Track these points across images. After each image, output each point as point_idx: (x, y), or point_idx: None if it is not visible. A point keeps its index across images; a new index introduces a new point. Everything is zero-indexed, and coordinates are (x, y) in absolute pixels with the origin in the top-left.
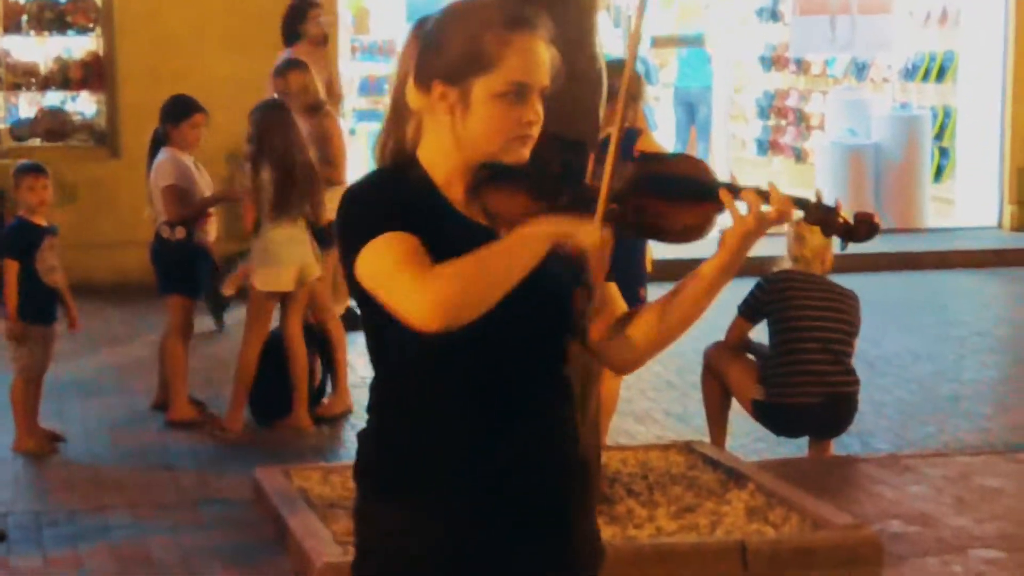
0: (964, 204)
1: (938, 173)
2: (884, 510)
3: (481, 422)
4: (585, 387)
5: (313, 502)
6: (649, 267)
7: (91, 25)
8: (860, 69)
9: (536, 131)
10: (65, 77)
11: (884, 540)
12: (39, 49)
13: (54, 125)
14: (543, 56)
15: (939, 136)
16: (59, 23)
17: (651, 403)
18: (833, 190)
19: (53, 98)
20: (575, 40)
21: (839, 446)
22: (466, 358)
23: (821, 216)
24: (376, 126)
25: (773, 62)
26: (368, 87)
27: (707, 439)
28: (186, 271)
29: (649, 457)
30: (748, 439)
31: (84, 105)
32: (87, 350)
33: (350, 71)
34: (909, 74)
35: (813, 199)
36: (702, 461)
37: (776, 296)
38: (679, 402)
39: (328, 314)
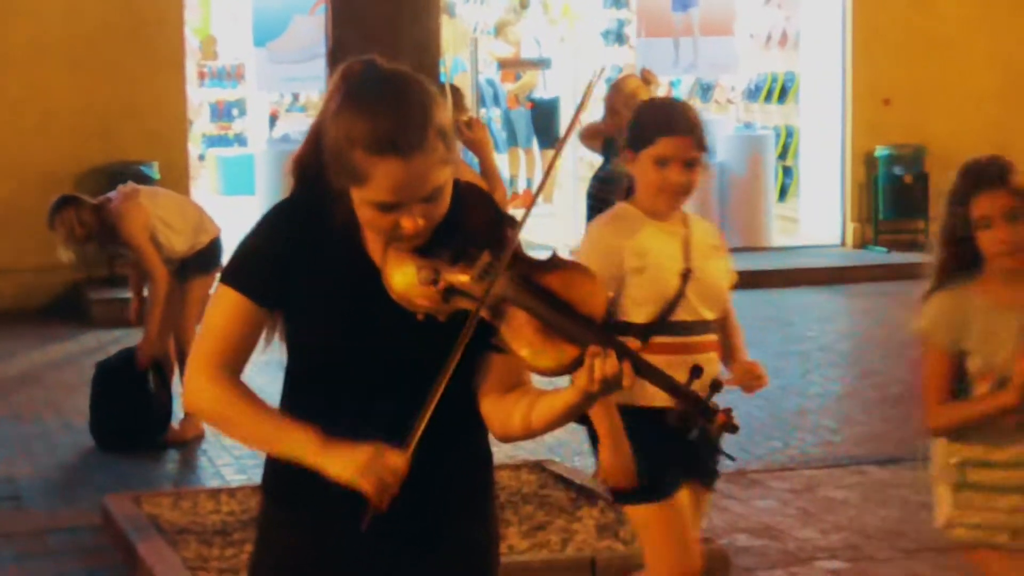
0: (808, 223)
1: (782, 192)
2: (731, 524)
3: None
4: None
5: (163, 528)
6: None
7: None
8: (705, 90)
9: (419, 238)
10: None
11: (731, 553)
12: None
13: None
14: (416, 174)
15: (783, 155)
16: None
17: None
18: None
19: None
20: None
21: None
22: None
23: (685, 409)
24: (224, 152)
25: None
26: (217, 112)
27: (557, 458)
28: None
29: (500, 476)
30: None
31: None
32: None
33: (198, 97)
34: (752, 95)
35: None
36: (553, 479)
37: None
38: None
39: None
